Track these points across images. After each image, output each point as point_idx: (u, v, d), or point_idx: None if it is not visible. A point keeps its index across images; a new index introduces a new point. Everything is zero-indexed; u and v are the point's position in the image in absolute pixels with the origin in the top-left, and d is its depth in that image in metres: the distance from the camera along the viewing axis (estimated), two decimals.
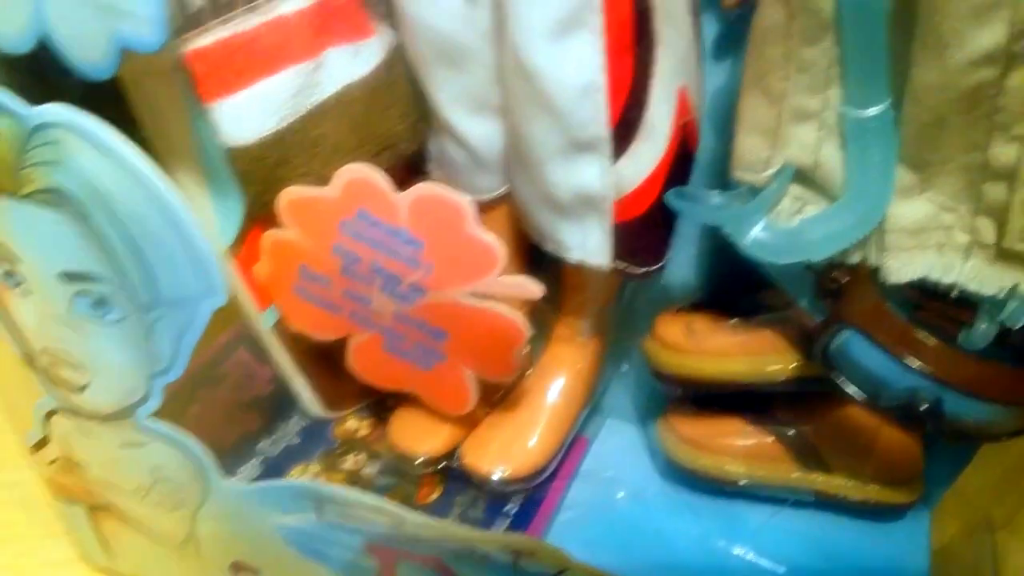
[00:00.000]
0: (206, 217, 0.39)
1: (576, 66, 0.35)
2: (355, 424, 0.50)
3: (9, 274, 0.38)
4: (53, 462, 0.46)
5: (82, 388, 0.40)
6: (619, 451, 0.52)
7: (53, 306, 0.37)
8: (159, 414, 0.39)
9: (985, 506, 0.46)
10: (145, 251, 0.34)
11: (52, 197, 0.34)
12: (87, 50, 0.33)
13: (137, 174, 0.32)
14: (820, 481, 0.47)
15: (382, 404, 0.49)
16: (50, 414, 0.43)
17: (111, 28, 0.32)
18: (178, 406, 0.40)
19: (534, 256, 0.43)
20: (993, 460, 0.45)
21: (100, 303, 0.37)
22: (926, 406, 0.37)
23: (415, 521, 0.37)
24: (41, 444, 0.45)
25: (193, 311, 0.36)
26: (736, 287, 0.45)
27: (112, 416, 0.40)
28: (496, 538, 0.37)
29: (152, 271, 0.35)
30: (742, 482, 0.48)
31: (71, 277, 0.36)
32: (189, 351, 0.37)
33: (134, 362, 0.38)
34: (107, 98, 0.35)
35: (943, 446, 0.45)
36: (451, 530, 0.37)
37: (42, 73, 0.35)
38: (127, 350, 0.37)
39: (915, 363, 0.36)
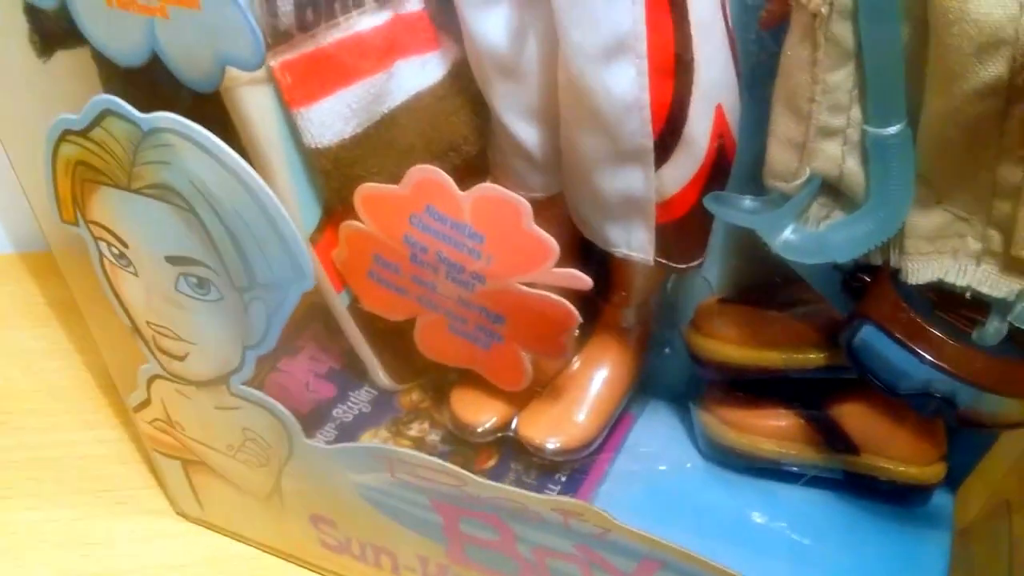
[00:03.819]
0: (291, 210, 0.40)
1: (623, 86, 0.37)
2: (419, 396, 0.52)
3: (120, 256, 0.40)
4: (154, 421, 0.49)
5: (183, 358, 0.43)
6: (661, 429, 0.54)
7: (159, 285, 0.40)
8: (249, 382, 0.42)
9: (1007, 488, 0.47)
10: (243, 240, 0.37)
11: (161, 191, 0.37)
12: (194, 67, 0.36)
13: (237, 173, 0.35)
14: (849, 461, 0.48)
15: (443, 378, 0.50)
16: (152, 379, 0.45)
17: (215, 49, 0.35)
18: (260, 374, 0.43)
19: (584, 250, 0.45)
20: (1015, 443, 0.46)
21: (201, 284, 0.39)
22: (941, 397, 0.39)
23: (475, 482, 0.39)
24: (143, 405, 0.48)
25: (284, 293, 0.38)
26: (770, 282, 0.47)
27: (209, 383, 0.43)
28: (547, 500, 0.39)
29: (249, 258, 0.37)
30: (774, 460, 0.49)
31: (176, 260, 0.39)
32: (279, 328, 0.39)
33: (230, 336, 0.40)
34: (210, 105, 0.38)
35: (968, 431, 0.46)
36: (507, 491, 0.39)
37: (155, 84, 0.37)
38: (224, 326, 0.40)
39: (930, 357, 0.38)
